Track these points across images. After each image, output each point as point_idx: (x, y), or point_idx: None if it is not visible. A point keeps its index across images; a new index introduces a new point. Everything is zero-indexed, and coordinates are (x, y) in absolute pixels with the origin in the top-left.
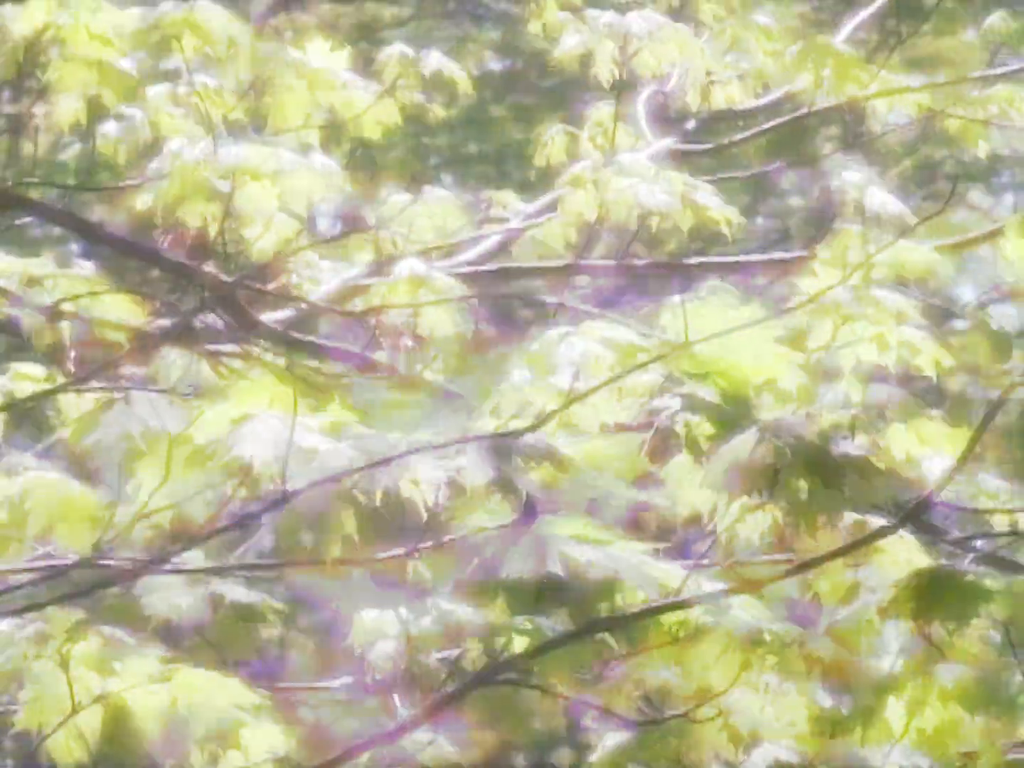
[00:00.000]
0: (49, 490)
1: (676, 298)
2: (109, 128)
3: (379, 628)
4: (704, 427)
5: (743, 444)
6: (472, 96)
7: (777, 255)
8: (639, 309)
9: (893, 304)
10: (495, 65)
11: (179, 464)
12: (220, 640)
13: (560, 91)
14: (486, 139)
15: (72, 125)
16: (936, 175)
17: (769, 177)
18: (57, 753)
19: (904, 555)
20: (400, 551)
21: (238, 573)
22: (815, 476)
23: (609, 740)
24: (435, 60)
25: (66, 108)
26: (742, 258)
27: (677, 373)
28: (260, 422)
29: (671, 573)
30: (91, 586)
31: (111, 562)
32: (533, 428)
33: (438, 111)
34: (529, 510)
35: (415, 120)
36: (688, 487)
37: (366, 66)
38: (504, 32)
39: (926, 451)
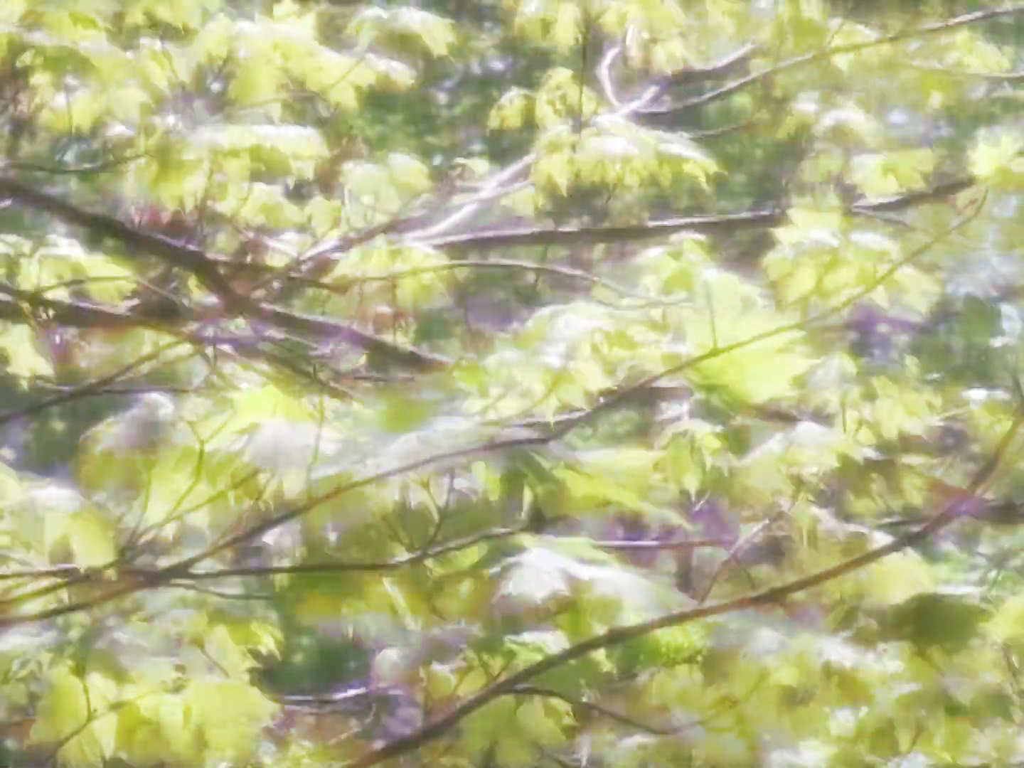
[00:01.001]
0: (63, 503)
1: (654, 251)
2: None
3: None
4: (712, 441)
5: (765, 456)
6: (455, 53)
7: (751, 213)
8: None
9: (875, 244)
10: (497, 64)
11: (185, 476)
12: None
13: None
14: (491, 139)
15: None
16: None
17: (774, 178)
18: (72, 760)
19: (908, 574)
20: (410, 556)
21: (244, 578)
22: (844, 485)
23: (624, 747)
24: (415, 17)
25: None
26: (716, 218)
27: (687, 382)
28: (271, 429)
29: (676, 599)
30: (106, 595)
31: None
32: (556, 432)
33: (408, 76)
34: (537, 517)
35: (420, 119)
36: (684, 466)
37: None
38: (506, 31)
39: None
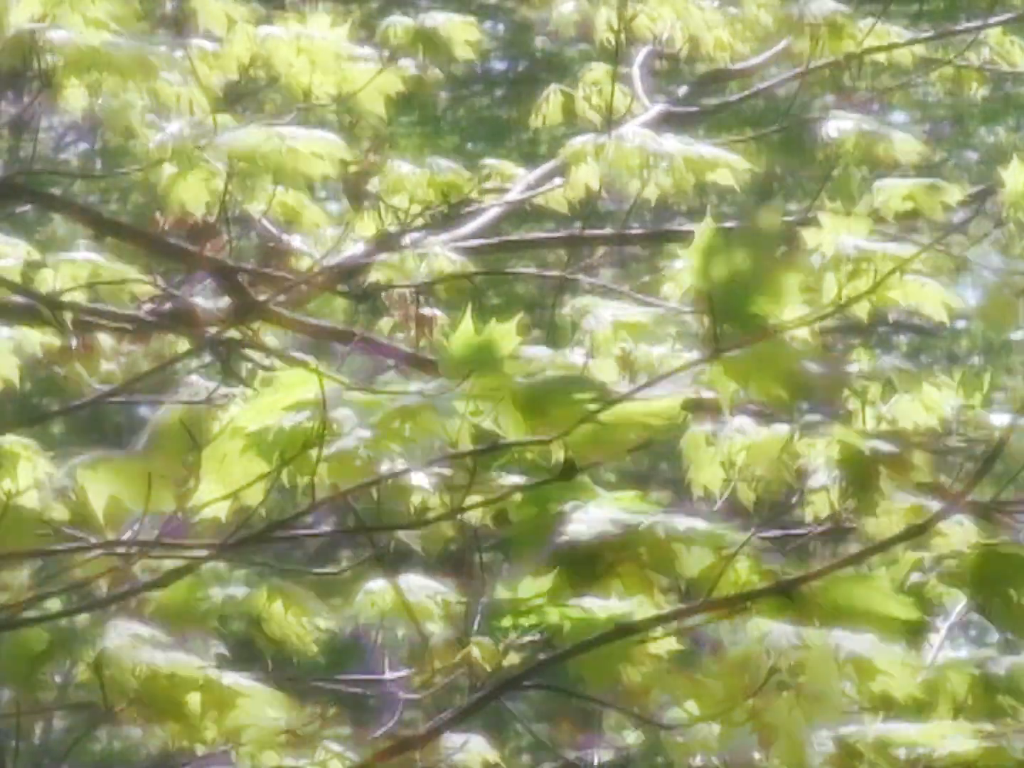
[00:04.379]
0: (115, 465)
1: (678, 263)
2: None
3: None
4: None
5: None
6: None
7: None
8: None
9: (899, 254)
10: (500, 65)
11: (233, 456)
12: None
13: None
14: (494, 140)
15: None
16: (936, 174)
17: (776, 176)
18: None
19: (962, 537)
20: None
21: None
22: (848, 476)
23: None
24: (439, 18)
25: (70, 96)
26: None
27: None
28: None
29: (729, 533)
30: (152, 585)
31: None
32: None
33: (438, 74)
34: (569, 466)
35: (425, 121)
36: (702, 466)
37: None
38: (511, 32)
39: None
